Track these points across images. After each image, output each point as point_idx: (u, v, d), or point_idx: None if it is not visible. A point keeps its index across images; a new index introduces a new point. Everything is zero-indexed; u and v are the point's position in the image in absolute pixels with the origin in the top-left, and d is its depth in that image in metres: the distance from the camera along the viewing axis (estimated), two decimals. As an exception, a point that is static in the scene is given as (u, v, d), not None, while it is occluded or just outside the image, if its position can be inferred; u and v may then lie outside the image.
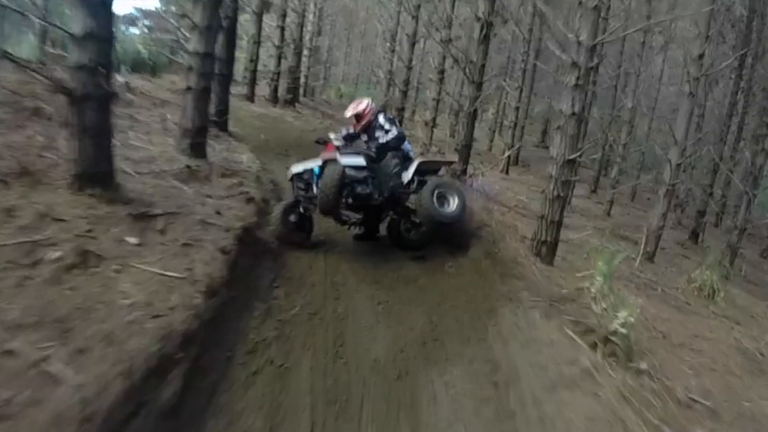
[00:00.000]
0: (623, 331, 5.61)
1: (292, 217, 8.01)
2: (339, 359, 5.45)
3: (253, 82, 18.92)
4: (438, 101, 19.26)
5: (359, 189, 7.86)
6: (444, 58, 18.99)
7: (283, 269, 7.04)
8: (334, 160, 7.58)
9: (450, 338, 6.08)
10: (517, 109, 23.06)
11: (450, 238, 8.62)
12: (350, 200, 7.85)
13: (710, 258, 11.58)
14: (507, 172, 20.34)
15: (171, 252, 5.60)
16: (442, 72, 19.43)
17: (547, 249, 8.64)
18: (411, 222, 8.59)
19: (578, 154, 8.98)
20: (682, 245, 15.99)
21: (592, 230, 12.83)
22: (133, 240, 5.58)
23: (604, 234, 13.23)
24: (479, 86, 13.58)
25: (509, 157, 21.18)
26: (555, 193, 8.63)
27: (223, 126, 12.35)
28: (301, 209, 8.06)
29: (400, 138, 8.32)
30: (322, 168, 7.65)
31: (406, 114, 23.34)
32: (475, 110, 13.97)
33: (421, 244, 8.46)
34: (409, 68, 19.98)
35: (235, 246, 6.32)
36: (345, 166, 7.61)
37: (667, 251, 13.76)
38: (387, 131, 8.31)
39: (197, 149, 8.64)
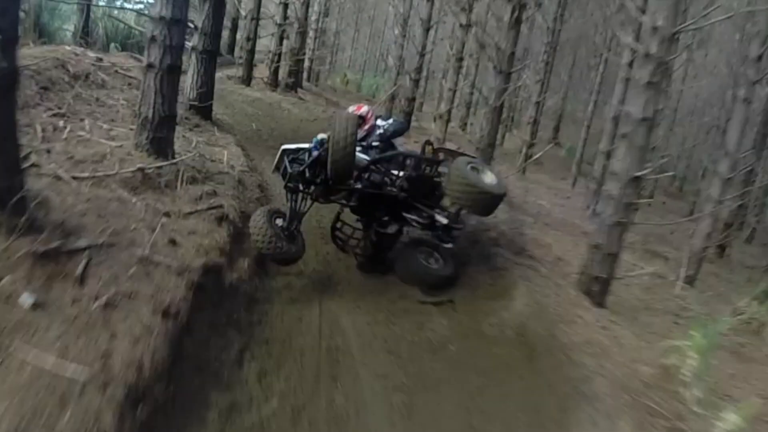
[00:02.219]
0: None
1: (280, 221, 6.03)
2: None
3: (250, 63, 16.81)
4: (455, 92, 17.23)
5: (373, 175, 6.36)
6: (463, 44, 16.94)
7: (260, 327, 5.04)
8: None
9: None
10: (537, 104, 21.27)
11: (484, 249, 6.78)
12: (362, 185, 6.29)
13: (760, 288, 10.23)
14: (524, 172, 18.55)
15: (83, 321, 3.66)
16: (460, 59, 17.47)
17: (600, 287, 6.96)
18: (437, 237, 6.72)
19: (647, 171, 7.05)
20: (709, 261, 14.30)
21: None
22: (27, 300, 3.64)
23: (635, 249, 11.70)
24: (507, 77, 11.90)
25: (526, 155, 19.46)
26: (615, 218, 6.71)
27: (205, 113, 10.25)
28: (289, 185, 6.10)
29: (400, 124, 7.04)
30: (321, 142, 5.99)
31: (417, 105, 21.37)
32: (502, 105, 12.45)
33: (446, 278, 6.50)
34: (422, 55, 17.97)
35: (187, 301, 4.30)
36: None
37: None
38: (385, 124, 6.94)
39: (160, 145, 6.58)
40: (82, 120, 7.46)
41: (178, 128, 8.44)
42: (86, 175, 5.75)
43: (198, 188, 6.55)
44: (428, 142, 7.08)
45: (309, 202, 6.20)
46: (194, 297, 4.43)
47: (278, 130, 12.55)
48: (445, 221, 6.51)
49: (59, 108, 7.58)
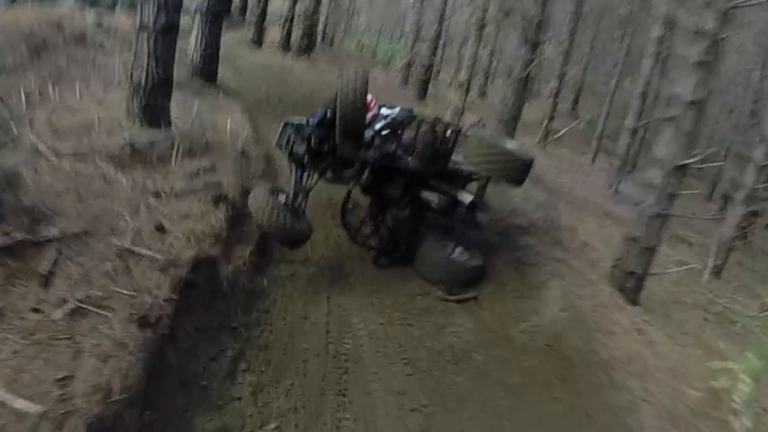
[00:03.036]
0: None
1: (283, 198, 5.33)
2: None
3: (260, 25, 15.96)
4: (475, 61, 16.44)
5: (385, 146, 5.72)
6: (485, 11, 16.01)
7: (259, 328, 4.40)
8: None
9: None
10: (560, 76, 20.39)
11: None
12: (373, 158, 5.60)
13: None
14: (545, 146, 17.78)
15: (44, 335, 3.05)
16: (482, 27, 16.60)
17: (634, 283, 6.43)
18: (461, 222, 6.16)
19: (695, 159, 6.38)
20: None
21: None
22: (-21, 305, 3.01)
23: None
24: (534, 47, 11.50)
25: (547, 129, 18.75)
26: (656, 209, 6.06)
27: (210, 77, 9.51)
28: (294, 155, 5.51)
29: (408, 112, 6.17)
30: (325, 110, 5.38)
31: (434, 73, 20.45)
32: (528, 76, 11.90)
33: (473, 270, 5.80)
34: (441, 21, 17.01)
35: (172, 304, 3.66)
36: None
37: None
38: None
39: (153, 113, 5.89)
40: (73, 84, 6.79)
41: (178, 94, 7.73)
42: (70, 149, 5.10)
43: (195, 162, 5.88)
44: (438, 119, 6.31)
45: (315, 176, 5.54)
46: (181, 298, 3.79)
47: (289, 96, 11.74)
48: (468, 199, 5.86)
49: (51, 72, 6.92)
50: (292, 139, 5.46)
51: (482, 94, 26.02)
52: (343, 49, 24.94)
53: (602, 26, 30.01)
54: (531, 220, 7.19)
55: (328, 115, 5.29)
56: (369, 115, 5.92)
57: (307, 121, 5.55)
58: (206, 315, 4.07)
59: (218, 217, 5.00)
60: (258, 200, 5.07)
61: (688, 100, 5.93)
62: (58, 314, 3.21)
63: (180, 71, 8.66)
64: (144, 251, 4.00)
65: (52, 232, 3.82)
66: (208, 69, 9.45)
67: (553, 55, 21.13)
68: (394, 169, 5.78)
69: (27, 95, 6.03)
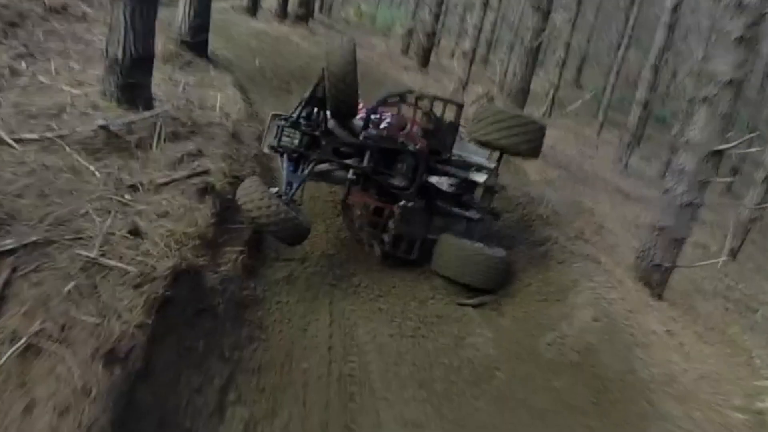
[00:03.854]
0: None
1: (274, 189, 4.75)
2: None
3: (256, -8, 15.26)
4: (480, 29, 15.73)
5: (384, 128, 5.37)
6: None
7: (251, 347, 3.82)
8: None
9: None
10: (568, 44, 19.67)
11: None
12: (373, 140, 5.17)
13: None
14: (550, 115, 17.17)
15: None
16: None
17: (660, 276, 5.90)
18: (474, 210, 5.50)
19: (733, 144, 5.85)
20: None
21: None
22: None
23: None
24: (546, 16, 11.01)
25: (553, 99, 18.16)
26: (686, 197, 5.48)
27: (200, 49, 8.80)
28: (284, 140, 5.08)
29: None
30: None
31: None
32: (539, 45, 11.29)
33: (499, 262, 5.14)
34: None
35: (147, 330, 3.06)
36: None
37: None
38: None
39: (132, 92, 5.23)
40: (49, 60, 6.14)
41: (162, 69, 7.09)
42: (34, 136, 4.47)
43: (179, 147, 5.26)
44: (410, 91, 5.68)
45: (309, 166, 4.98)
46: (158, 320, 3.19)
47: (285, 67, 11.04)
48: (483, 178, 5.33)
49: (26, 46, 6.26)
50: (281, 131, 4.99)
51: (484, 62, 25.23)
52: (342, 17, 24.04)
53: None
54: (549, 206, 6.57)
55: (317, 93, 4.87)
56: (357, 118, 5.42)
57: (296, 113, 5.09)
58: (189, 336, 3.48)
59: (203, 214, 4.38)
60: (249, 193, 4.47)
61: (726, 78, 5.36)
62: (5, 354, 2.61)
63: (166, 44, 7.99)
64: (113, 263, 3.39)
65: (7, 242, 3.21)
66: (197, 41, 8.74)
67: (560, 23, 20.39)
68: (397, 155, 5.20)
69: (-2, 74, 5.41)
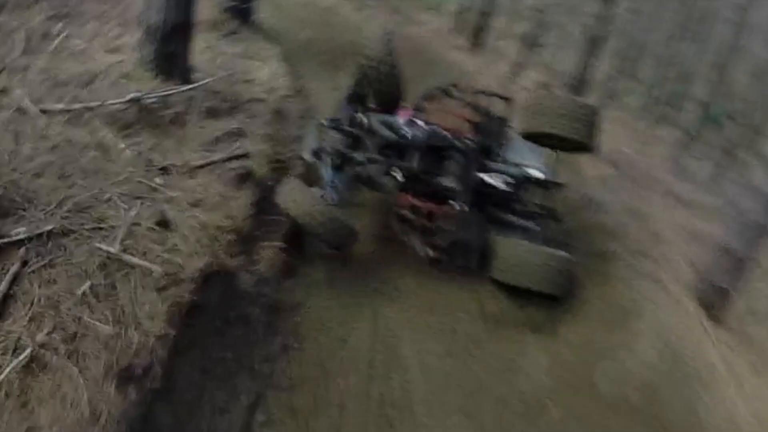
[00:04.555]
0: None
1: (318, 191, 4.32)
2: None
3: (306, -43, 14.74)
4: (539, 11, 15.11)
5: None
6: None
7: (284, 359, 3.40)
8: None
9: None
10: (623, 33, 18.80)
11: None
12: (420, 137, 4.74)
13: None
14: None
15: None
16: None
17: (721, 300, 5.23)
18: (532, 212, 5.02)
19: None
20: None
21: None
22: None
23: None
24: (610, 2, 10.73)
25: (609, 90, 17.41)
26: (762, 220, 5.00)
27: (245, 16, 8.35)
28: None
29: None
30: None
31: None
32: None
33: (568, 266, 4.60)
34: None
35: (168, 342, 2.67)
36: None
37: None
38: None
39: (170, 62, 4.82)
40: (85, 23, 5.76)
41: (204, 37, 6.67)
42: (60, 106, 4.10)
43: (218, 124, 4.84)
44: (454, 84, 5.21)
45: (353, 167, 4.64)
46: (182, 329, 2.80)
47: (335, 40, 10.50)
48: (542, 174, 4.86)
49: (63, 7, 5.90)
50: (321, 137, 4.79)
51: (536, 45, 24.37)
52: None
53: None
54: (609, 213, 6.03)
55: (358, 90, 4.72)
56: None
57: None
58: (217, 347, 3.09)
59: (241, 204, 3.98)
60: (293, 196, 4.09)
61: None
62: (7, 368, 2.25)
63: (209, 9, 7.56)
64: (136, 260, 3.00)
65: (18, 231, 2.84)
66: (243, 8, 8.28)
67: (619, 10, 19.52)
68: (445, 153, 4.75)
69: (28, 38, 5.04)
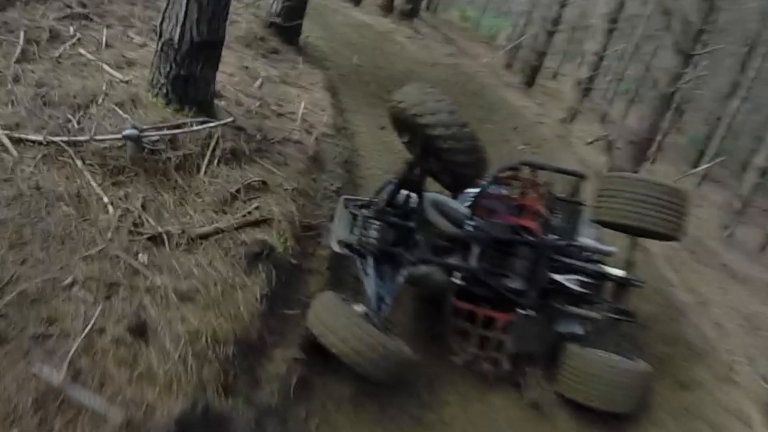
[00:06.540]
0: None
1: (359, 308, 3.34)
2: None
3: (360, -23, 14.07)
4: (602, 57, 14.30)
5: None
6: (622, 4, 13.82)
7: None
8: None
9: None
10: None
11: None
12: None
13: None
14: (652, 162, 15.61)
15: None
16: (615, 21, 14.53)
17: None
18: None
19: None
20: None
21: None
22: None
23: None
24: (688, 59, 9.14)
25: (659, 144, 16.36)
26: None
27: (290, 35, 7.44)
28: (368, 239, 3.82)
29: None
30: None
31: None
32: (674, 92, 9.57)
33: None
34: (563, 5, 14.62)
35: None
36: None
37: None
38: None
39: (187, 87, 3.83)
40: (104, 28, 4.89)
41: (243, 54, 5.77)
42: (39, 138, 3.16)
43: (237, 175, 3.82)
44: (525, 162, 4.30)
45: (404, 270, 3.63)
46: None
47: (386, 69, 9.48)
48: (620, 272, 4.09)
49: (83, 5, 5.07)
50: (358, 223, 3.90)
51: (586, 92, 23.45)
52: (444, 18, 22.57)
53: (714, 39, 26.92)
54: (697, 325, 4.98)
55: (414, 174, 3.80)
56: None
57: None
58: None
59: (250, 296, 2.98)
60: (329, 318, 3.16)
61: None
62: None
63: (248, 24, 6.68)
64: (87, 398, 2.02)
65: None
66: (289, 25, 7.39)
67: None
68: (511, 248, 3.89)
69: (28, 40, 4.16)
